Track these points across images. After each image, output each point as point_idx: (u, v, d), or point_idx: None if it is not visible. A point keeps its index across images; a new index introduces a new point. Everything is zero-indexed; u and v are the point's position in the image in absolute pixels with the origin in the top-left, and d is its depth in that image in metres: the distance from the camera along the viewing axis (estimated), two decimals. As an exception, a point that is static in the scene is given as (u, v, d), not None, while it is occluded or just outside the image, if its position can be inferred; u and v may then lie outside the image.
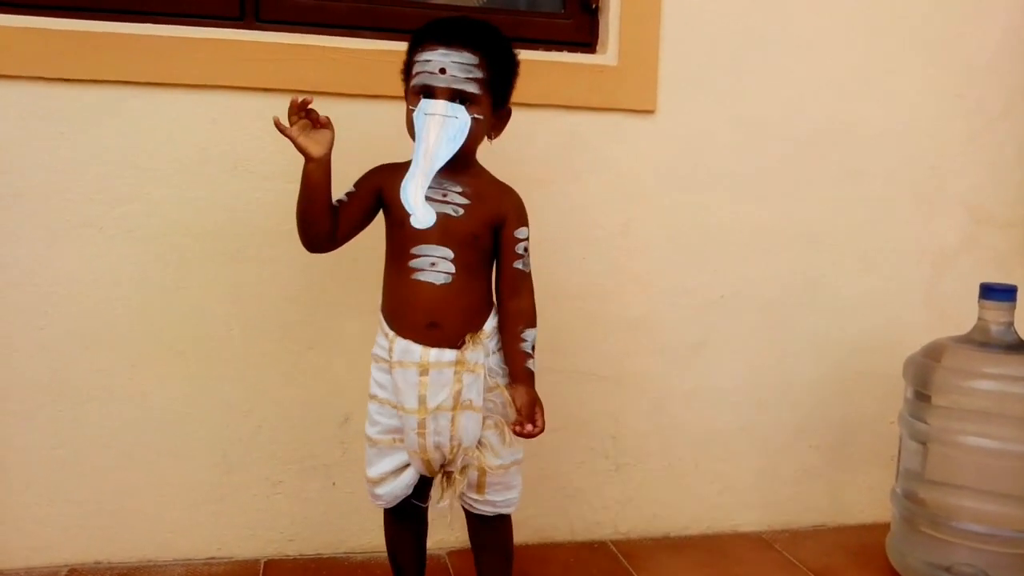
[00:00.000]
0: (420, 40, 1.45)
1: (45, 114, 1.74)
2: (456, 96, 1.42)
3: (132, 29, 1.76)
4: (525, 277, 1.56)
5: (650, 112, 2.00)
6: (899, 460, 2.00)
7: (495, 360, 1.54)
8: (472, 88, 1.43)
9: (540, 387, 1.81)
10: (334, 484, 1.95)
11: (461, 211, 1.47)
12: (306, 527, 1.95)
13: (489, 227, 1.51)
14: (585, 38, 2.01)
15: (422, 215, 1.41)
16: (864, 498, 2.22)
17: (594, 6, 1.99)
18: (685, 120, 2.02)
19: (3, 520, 1.82)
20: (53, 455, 1.82)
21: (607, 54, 1.98)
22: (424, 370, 1.46)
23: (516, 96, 1.88)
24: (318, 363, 1.91)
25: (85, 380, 1.81)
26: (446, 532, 1.94)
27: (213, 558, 1.91)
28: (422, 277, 1.46)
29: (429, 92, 1.42)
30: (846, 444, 2.22)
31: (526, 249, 1.55)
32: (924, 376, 1.89)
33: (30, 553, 1.83)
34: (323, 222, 1.49)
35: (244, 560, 1.91)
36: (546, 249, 1.98)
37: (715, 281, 2.10)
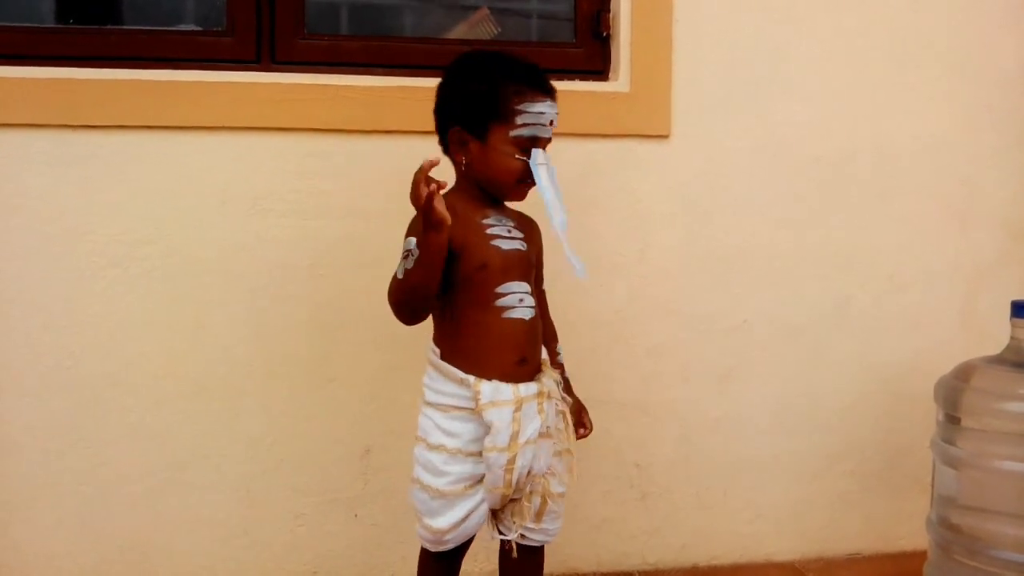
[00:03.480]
0: (522, 86, 1.43)
1: (71, 160, 1.81)
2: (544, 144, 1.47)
3: (153, 76, 1.82)
4: (545, 297, 1.64)
5: (664, 137, 1.99)
6: (933, 486, 1.93)
7: (555, 384, 1.54)
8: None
9: None
10: (356, 516, 1.96)
11: (526, 245, 1.50)
12: (329, 559, 1.96)
13: (537, 256, 1.56)
14: (597, 66, 2.01)
15: (581, 266, 1.44)
16: (902, 525, 2.14)
17: (605, 34, 2.00)
18: (700, 144, 2.01)
19: (35, 555, 1.87)
20: (80, 492, 1.86)
21: (619, 81, 1.98)
22: (518, 406, 1.44)
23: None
24: (338, 397, 1.93)
25: (111, 418, 1.86)
26: (470, 564, 1.93)
27: (238, 591, 1.93)
28: (514, 315, 1.46)
29: (535, 143, 1.44)
30: (882, 470, 2.15)
31: None
32: (954, 398, 1.83)
33: (62, 587, 1.88)
34: (435, 291, 1.41)
35: (269, 593, 1.94)
36: (565, 277, 1.97)
37: (737, 306, 2.07)
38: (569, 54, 2.01)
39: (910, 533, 2.12)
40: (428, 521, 1.47)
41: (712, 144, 2.02)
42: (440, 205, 1.29)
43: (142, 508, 1.89)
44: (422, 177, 1.28)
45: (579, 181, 1.97)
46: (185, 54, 1.87)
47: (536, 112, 1.42)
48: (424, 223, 1.31)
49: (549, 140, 1.48)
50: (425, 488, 1.47)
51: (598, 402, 2.00)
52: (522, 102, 1.41)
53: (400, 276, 1.38)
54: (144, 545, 1.90)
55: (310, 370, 1.92)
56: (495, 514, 1.53)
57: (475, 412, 1.43)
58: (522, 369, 1.47)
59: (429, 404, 1.48)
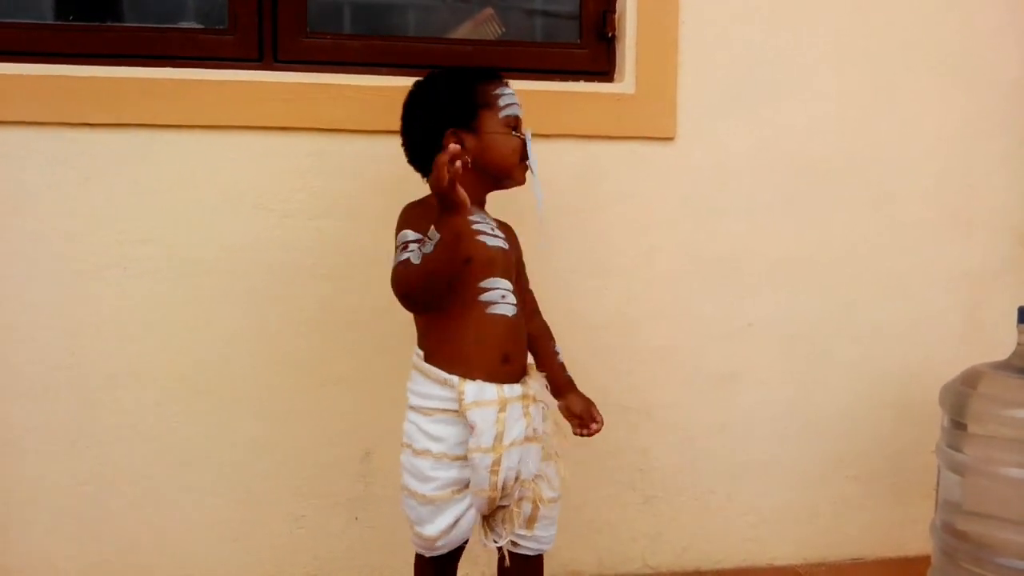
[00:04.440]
0: (487, 78, 1.54)
1: (69, 159, 1.79)
2: None
3: (153, 74, 1.81)
4: (533, 297, 1.67)
5: (670, 139, 1.98)
6: (937, 492, 1.92)
7: (542, 388, 1.54)
8: None
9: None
10: (356, 519, 1.94)
11: (507, 245, 1.52)
12: (329, 562, 1.95)
13: (518, 259, 1.60)
14: (602, 67, 2.00)
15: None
16: (906, 531, 2.13)
17: (610, 34, 1.98)
18: (706, 146, 2.00)
19: (36, 556, 1.85)
20: (80, 491, 1.85)
21: (624, 82, 1.97)
22: (503, 406, 1.44)
23: (533, 127, 1.88)
24: (339, 399, 1.91)
25: (111, 418, 1.84)
26: (470, 567, 1.92)
27: (238, 593, 1.92)
28: (497, 310, 1.47)
29: (518, 122, 1.54)
30: (886, 474, 2.14)
31: None
32: (960, 404, 1.82)
33: (61, 589, 1.86)
34: (452, 276, 1.42)
35: (269, 596, 1.92)
36: (568, 280, 1.98)
37: (741, 310, 2.05)
38: (574, 55, 2.00)
39: (914, 538, 2.11)
40: (419, 528, 1.47)
41: (717, 146, 2.00)
42: (460, 188, 1.30)
43: (142, 509, 1.87)
44: (447, 159, 1.26)
45: (583, 183, 1.96)
46: (186, 52, 1.85)
47: (509, 94, 1.53)
48: (443, 205, 1.31)
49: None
50: (413, 495, 1.46)
51: (600, 405, 1.98)
52: (496, 87, 1.53)
53: (416, 261, 1.36)
54: (144, 546, 1.88)
55: (311, 371, 1.90)
56: (487, 520, 1.52)
57: (459, 414, 1.43)
58: (506, 368, 1.47)
59: (413, 408, 1.48)
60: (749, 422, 2.08)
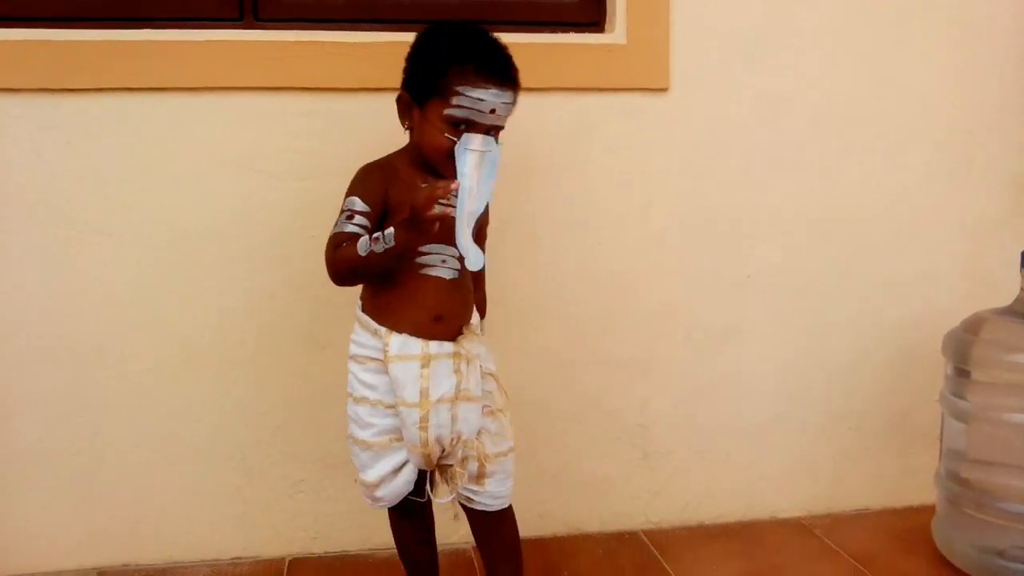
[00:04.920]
0: (467, 67, 1.39)
1: (52, 125, 1.76)
2: (489, 129, 1.41)
3: (133, 36, 1.76)
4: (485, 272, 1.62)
5: (663, 90, 1.93)
6: (942, 440, 1.91)
7: (484, 349, 1.54)
8: (504, 123, 1.45)
9: (563, 377, 1.99)
10: (355, 481, 1.91)
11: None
12: (329, 525, 1.94)
13: (477, 225, 1.49)
14: (592, 17, 1.95)
15: (475, 257, 1.37)
16: (909, 481, 2.12)
17: (600, -17, 1.94)
18: (701, 96, 1.95)
19: (32, 526, 1.85)
20: (75, 462, 1.84)
21: (615, 32, 1.92)
22: (426, 362, 1.45)
23: (524, 80, 1.84)
24: (333, 362, 1.86)
25: (103, 387, 1.83)
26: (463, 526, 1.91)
27: (238, 558, 1.91)
28: (432, 272, 1.46)
29: (469, 126, 1.39)
30: (888, 425, 2.12)
31: None
32: (963, 351, 1.80)
33: (60, 558, 1.86)
34: None
35: (269, 559, 1.92)
36: (562, 237, 1.95)
37: (741, 263, 2.02)
38: (562, 5, 1.95)
39: (917, 488, 2.10)
40: (361, 475, 1.52)
41: (713, 97, 1.96)
42: (438, 223, 1.32)
43: (137, 478, 1.86)
44: (440, 195, 1.30)
45: (575, 138, 1.93)
46: (166, 13, 1.81)
47: (475, 97, 1.38)
48: (414, 222, 1.33)
49: (498, 128, 1.43)
50: (356, 441, 1.51)
51: (599, 362, 2.00)
52: (463, 84, 1.37)
53: (362, 253, 1.38)
54: (140, 515, 1.88)
55: (304, 335, 1.88)
56: (436, 476, 1.54)
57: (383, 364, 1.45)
58: (438, 327, 1.46)
59: (352, 357, 1.51)
60: (749, 376, 2.06)
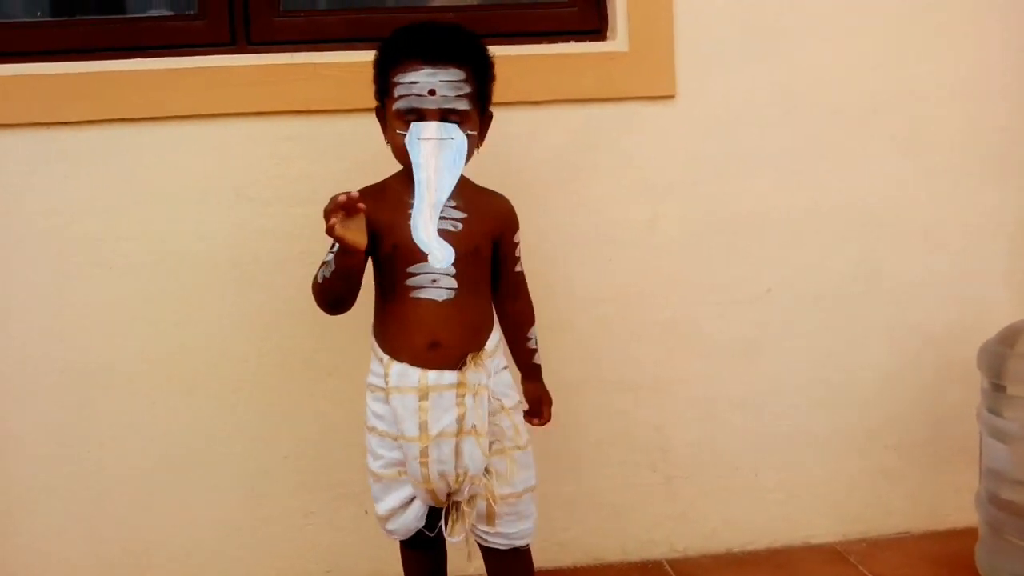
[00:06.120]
0: (396, 57, 1.36)
1: (47, 158, 1.75)
2: (446, 115, 1.35)
3: (124, 66, 1.76)
4: (523, 279, 1.56)
5: (669, 97, 1.86)
6: (981, 460, 1.78)
7: (500, 380, 1.47)
8: (463, 105, 1.36)
9: (575, 400, 1.86)
10: (366, 512, 1.87)
11: (460, 225, 1.40)
12: (341, 557, 1.89)
13: (490, 238, 1.46)
14: (593, 25, 1.89)
15: (439, 252, 1.32)
16: (950, 501, 1.99)
17: (599, -10, 1.87)
18: (709, 101, 1.87)
19: (41, 555, 1.83)
20: (81, 496, 1.82)
21: (617, 40, 1.86)
22: (424, 394, 1.38)
23: (523, 94, 1.80)
24: (338, 389, 1.84)
25: (106, 420, 1.81)
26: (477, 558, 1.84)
27: (249, 591, 1.88)
28: (423, 295, 1.40)
29: (418, 115, 1.35)
30: (927, 442, 2.00)
31: (520, 251, 1.53)
32: (998, 366, 1.68)
33: (66, 594, 1.85)
34: (355, 294, 1.43)
35: (280, 593, 1.88)
36: (568, 253, 1.89)
37: (759, 274, 1.93)
38: (562, 14, 1.89)
39: (959, 509, 1.96)
40: (375, 506, 1.48)
41: (722, 101, 1.88)
42: (349, 233, 1.29)
43: (144, 508, 1.84)
44: (330, 207, 1.28)
45: (578, 149, 1.86)
46: (157, 41, 1.80)
47: (408, 82, 1.34)
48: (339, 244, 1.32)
49: (455, 112, 1.35)
50: (369, 472, 1.48)
51: (611, 383, 1.92)
52: (396, 73, 1.35)
53: (320, 280, 1.40)
54: (147, 546, 1.85)
55: (308, 362, 1.84)
56: (448, 513, 1.47)
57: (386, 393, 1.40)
58: (434, 354, 1.39)
59: (367, 385, 1.47)
60: (774, 392, 1.96)
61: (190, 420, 1.83)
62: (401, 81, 1.34)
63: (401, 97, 1.34)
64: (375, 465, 1.46)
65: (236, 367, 1.83)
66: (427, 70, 1.33)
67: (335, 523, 1.89)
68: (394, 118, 1.37)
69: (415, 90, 1.33)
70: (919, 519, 2.01)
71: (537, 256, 1.86)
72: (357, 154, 1.77)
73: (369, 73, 1.74)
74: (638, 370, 1.92)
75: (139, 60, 1.77)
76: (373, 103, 1.71)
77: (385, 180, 1.48)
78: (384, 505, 1.46)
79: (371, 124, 1.73)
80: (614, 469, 1.94)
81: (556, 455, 1.89)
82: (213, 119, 1.77)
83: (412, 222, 1.32)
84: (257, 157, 1.79)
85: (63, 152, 1.76)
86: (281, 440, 1.86)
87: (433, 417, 1.38)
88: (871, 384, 1.98)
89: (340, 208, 1.27)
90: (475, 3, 1.91)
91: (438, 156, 1.33)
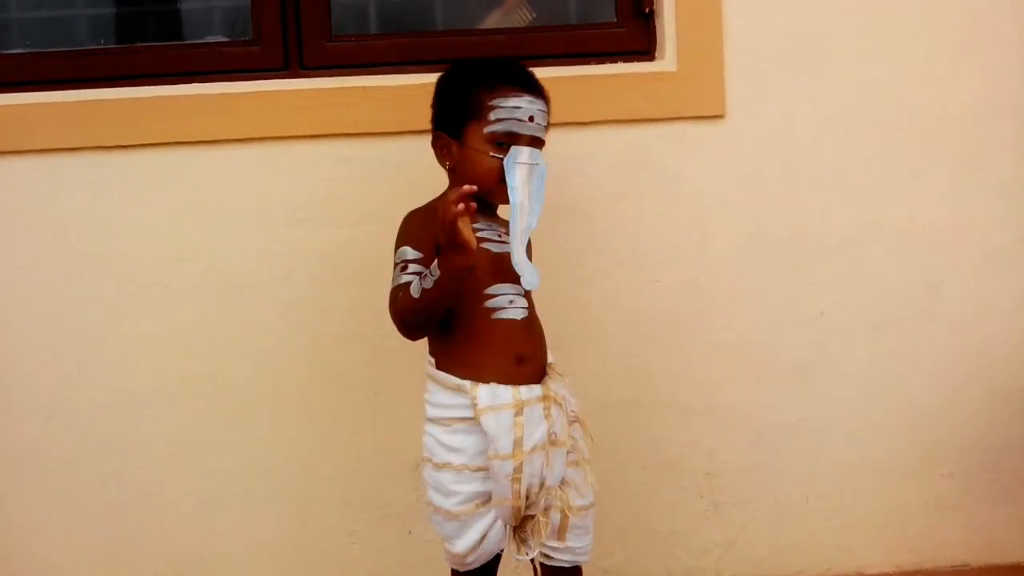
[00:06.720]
0: (495, 83, 1.40)
1: (107, 182, 1.81)
2: (533, 143, 1.40)
3: (181, 91, 1.81)
4: None
5: (719, 117, 1.85)
6: (1044, 490, 1.72)
7: (568, 391, 1.48)
8: (544, 135, 1.43)
9: (623, 423, 1.88)
10: (410, 533, 1.89)
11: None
12: (386, 578, 1.90)
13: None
14: (641, 45, 1.88)
15: (530, 276, 1.35)
16: (1013, 533, 1.92)
17: (648, 10, 1.86)
18: (760, 121, 1.86)
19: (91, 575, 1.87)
20: (132, 511, 1.86)
21: (666, 59, 1.85)
22: (519, 409, 1.38)
23: (572, 115, 1.79)
24: (384, 409, 1.86)
25: (158, 437, 1.85)
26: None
27: (294, 610, 1.89)
28: (504, 315, 1.41)
29: (513, 140, 1.38)
30: (987, 472, 1.93)
31: None
32: (1062, 392, 1.62)
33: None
34: (443, 315, 1.40)
35: (325, 613, 1.89)
36: (618, 274, 1.88)
37: (812, 296, 1.89)
38: (611, 35, 1.89)
39: (1022, 542, 1.89)
40: (448, 545, 1.42)
41: (773, 120, 1.86)
42: (466, 228, 1.26)
43: (193, 527, 1.87)
44: (455, 198, 1.24)
45: (628, 170, 1.86)
46: (213, 67, 1.84)
47: (510, 107, 1.38)
48: (447, 242, 1.28)
49: (538, 140, 1.41)
50: (438, 510, 1.41)
51: (662, 406, 1.90)
52: (494, 98, 1.38)
53: (415, 294, 1.33)
54: (194, 564, 1.88)
55: (357, 382, 1.86)
56: (517, 532, 1.44)
57: (476, 421, 1.36)
58: (521, 369, 1.39)
59: (430, 420, 1.42)
60: (827, 418, 1.92)
61: (240, 438, 1.86)
62: (502, 105, 1.38)
63: (500, 120, 1.38)
64: (449, 503, 1.40)
65: (287, 386, 1.86)
66: (528, 98, 1.39)
67: (379, 543, 1.89)
68: (484, 141, 1.39)
69: (517, 115, 1.38)
70: (977, 551, 1.94)
71: (585, 277, 1.87)
72: (408, 175, 1.80)
73: (419, 95, 1.77)
74: (687, 392, 1.89)
75: (196, 85, 1.81)
76: (423, 125, 1.74)
77: (433, 202, 1.48)
78: (463, 543, 1.41)
79: (420, 146, 1.76)
80: (661, 493, 1.91)
81: (602, 478, 1.85)
82: (267, 142, 1.81)
83: (511, 246, 1.35)
84: (310, 179, 1.82)
85: (123, 175, 1.81)
86: (327, 459, 1.87)
87: (528, 432, 1.38)
88: (927, 410, 1.93)
89: (460, 199, 1.24)
90: (524, 25, 1.92)
91: (530, 182, 1.36)
